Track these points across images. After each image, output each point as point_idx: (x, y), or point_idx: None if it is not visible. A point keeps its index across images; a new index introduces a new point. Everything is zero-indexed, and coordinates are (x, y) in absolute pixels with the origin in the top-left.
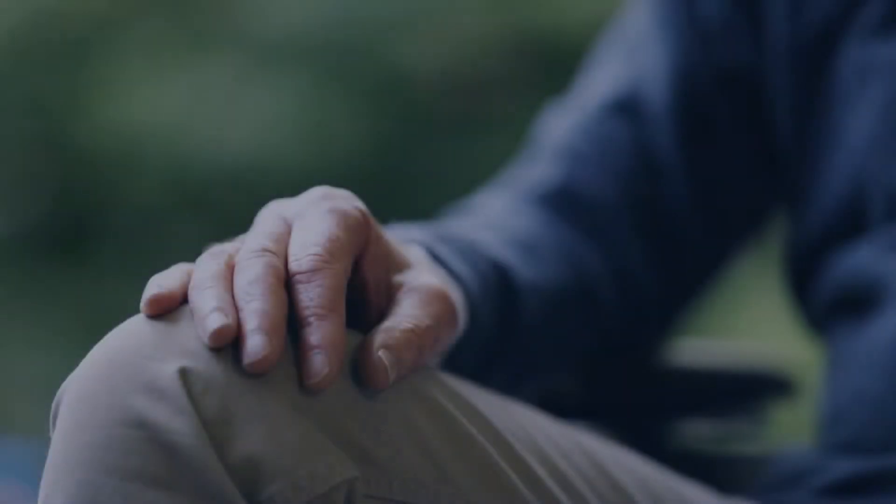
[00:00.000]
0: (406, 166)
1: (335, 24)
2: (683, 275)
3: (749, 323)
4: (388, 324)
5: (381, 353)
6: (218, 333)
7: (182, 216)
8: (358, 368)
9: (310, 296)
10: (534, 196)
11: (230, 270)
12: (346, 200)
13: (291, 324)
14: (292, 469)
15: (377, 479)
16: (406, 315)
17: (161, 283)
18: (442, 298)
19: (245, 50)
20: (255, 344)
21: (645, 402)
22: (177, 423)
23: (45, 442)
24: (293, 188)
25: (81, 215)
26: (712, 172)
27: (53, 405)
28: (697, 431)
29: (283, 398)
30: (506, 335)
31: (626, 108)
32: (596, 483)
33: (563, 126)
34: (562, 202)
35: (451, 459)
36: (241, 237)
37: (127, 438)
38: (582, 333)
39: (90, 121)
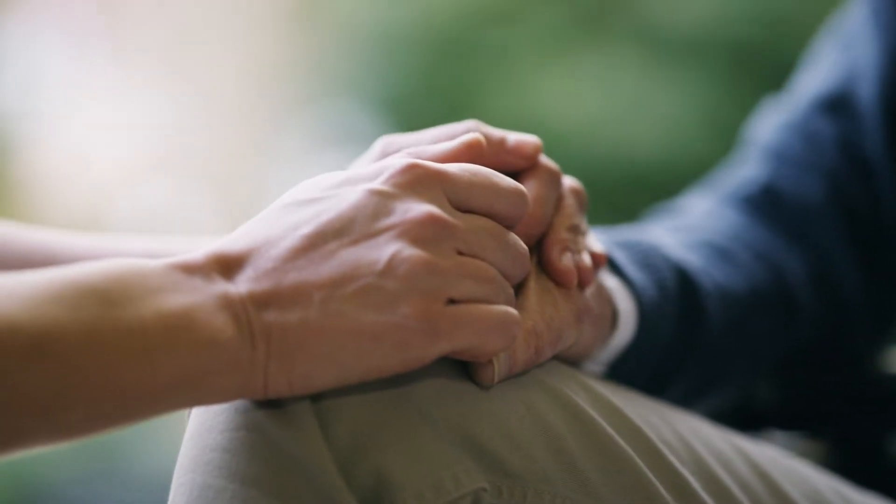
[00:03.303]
0: None
1: (738, 20)
2: (893, 279)
3: None
4: None
5: None
6: None
7: (592, 216)
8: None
9: None
10: (737, 198)
11: None
12: None
13: None
14: (416, 480)
15: (510, 489)
16: (529, 311)
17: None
18: (568, 298)
19: (647, 45)
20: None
21: (857, 413)
22: (300, 435)
23: None
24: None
25: None
26: None
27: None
28: None
29: (412, 408)
30: (688, 340)
31: (836, 105)
32: (759, 495)
33: (773, 125)
34: (765, 203)
35: (593, 469)
36: None
37: (249, 443)
38: (777, 339)
39: (491, 116)
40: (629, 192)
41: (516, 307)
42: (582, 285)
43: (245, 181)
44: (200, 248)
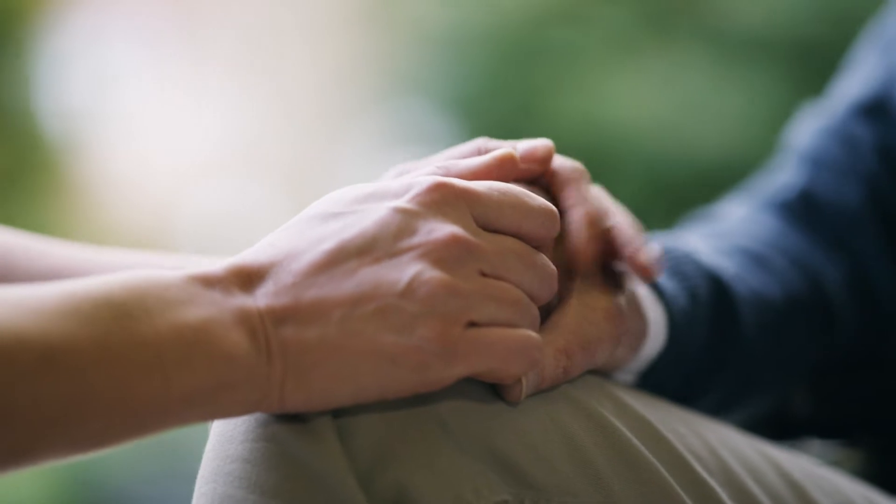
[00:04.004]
0: None
1: (805, 19)
2: None
3: None
4: (542, 336)
5: None
6: None
7: (659, 217)
8: None
9: None
10: (774, 203)
11: None
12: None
13: None
14: (437, 493)
15: (533, 501)
16: (565, 330)
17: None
18: (609, 317)
19: (713, 44)
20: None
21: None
22: (320, 447)
23: None
24: None
25: None
26: None
27: None
28: None
29: (433, 421)
30: (722, 348)
31: (874, 109)
32: None
33: (811, 130)
34: (802, 209)
35: (618, 481)
36: None
37: (269, 455)
38: (814, 345)
39: (558, 116)
40: (696, 192)
41: (552, 323)
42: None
43: (315, 181)
44: (222, 259)
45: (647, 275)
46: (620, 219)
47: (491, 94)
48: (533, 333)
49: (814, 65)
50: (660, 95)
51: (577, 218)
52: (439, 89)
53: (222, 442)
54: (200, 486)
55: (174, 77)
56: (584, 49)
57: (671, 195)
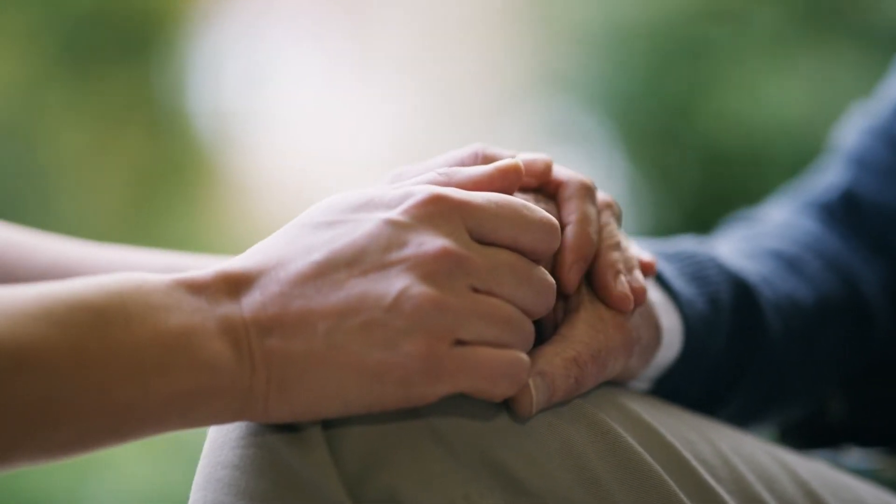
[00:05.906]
0: None
1: None
2: None
3: None
4: (551, 347)
5: (533, 378)
6: None
7: None
8: None
9: None
10: (815, 205)
11: None
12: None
13: None
14: (427, 499)
15: None
16: (574, 341)
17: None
18: (619, 327)
19: (867, 43)
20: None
21: None
22: (310, 454)
23: None
24: None
25: (719, 211)
26: None
27: None
28: None
29: (424, 427)
30: (745, 354)
31: None
32: None
33: (856, 130)
34: (842, 210)
35: (619, 488)
36: None
37: (258, 461)
38: (850, 351)
39: (715, 115)
40: None
41: (561, 334)
42: (638, 305)
43: None
44: (212, 264)
45: (619, 307)
46: (616, 241)
47: (644, 92)
48: (521, 354)
49: None
50: (814, 94)
51: (569, 237)
52: (593, 87)
53: (214, 448)
54: (193, 494)
55: (329, 75)
56: (738, 47)
57: None
